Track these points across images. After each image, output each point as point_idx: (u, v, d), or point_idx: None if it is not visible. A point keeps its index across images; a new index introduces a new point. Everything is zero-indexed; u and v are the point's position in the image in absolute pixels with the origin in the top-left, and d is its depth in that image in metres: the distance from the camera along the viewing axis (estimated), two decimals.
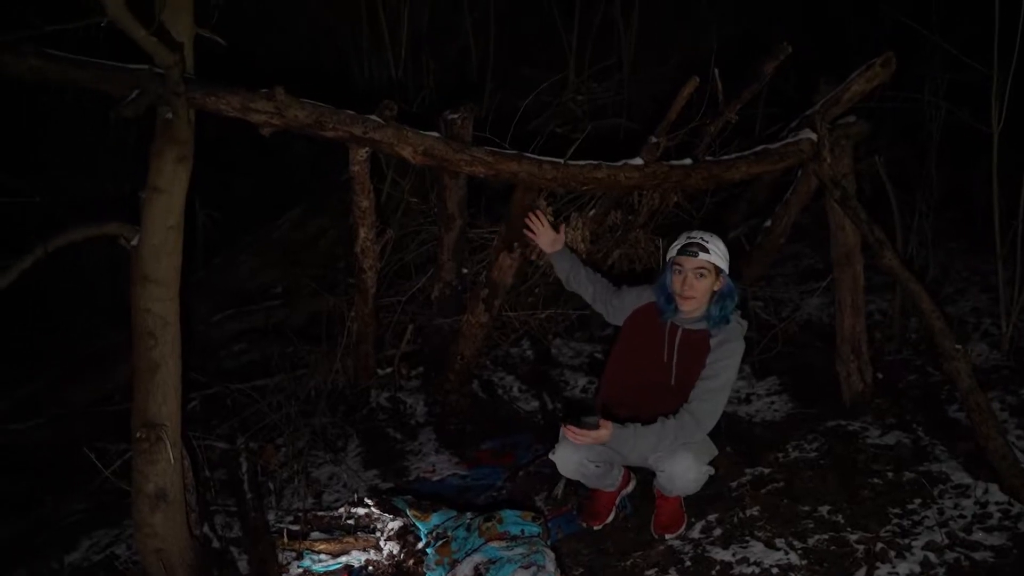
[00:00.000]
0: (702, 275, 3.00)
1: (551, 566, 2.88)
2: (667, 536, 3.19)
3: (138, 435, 2.80)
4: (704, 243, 3.00)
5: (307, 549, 3.26)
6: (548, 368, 4.67)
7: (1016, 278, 3.73)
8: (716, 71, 3.91)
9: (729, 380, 3.00)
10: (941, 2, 4.42)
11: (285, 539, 3.27)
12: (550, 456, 3.13)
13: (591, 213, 4.25)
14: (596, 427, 2.82)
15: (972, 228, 4.95)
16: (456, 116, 3.62)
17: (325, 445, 4.10)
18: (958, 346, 3.02)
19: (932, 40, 4.28)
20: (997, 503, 2.94)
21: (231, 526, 3.50)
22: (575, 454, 3.06)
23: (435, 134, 3.23)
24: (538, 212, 3.56)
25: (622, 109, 6.01)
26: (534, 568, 2.88)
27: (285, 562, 3.21)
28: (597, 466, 3.12)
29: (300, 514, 3.52)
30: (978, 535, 2.83)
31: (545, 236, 3.56)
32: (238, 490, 3.68)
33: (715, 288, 3.04)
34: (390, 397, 4.45)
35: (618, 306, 3.33)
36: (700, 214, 4.86)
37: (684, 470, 2.97)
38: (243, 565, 3.25)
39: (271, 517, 3.52)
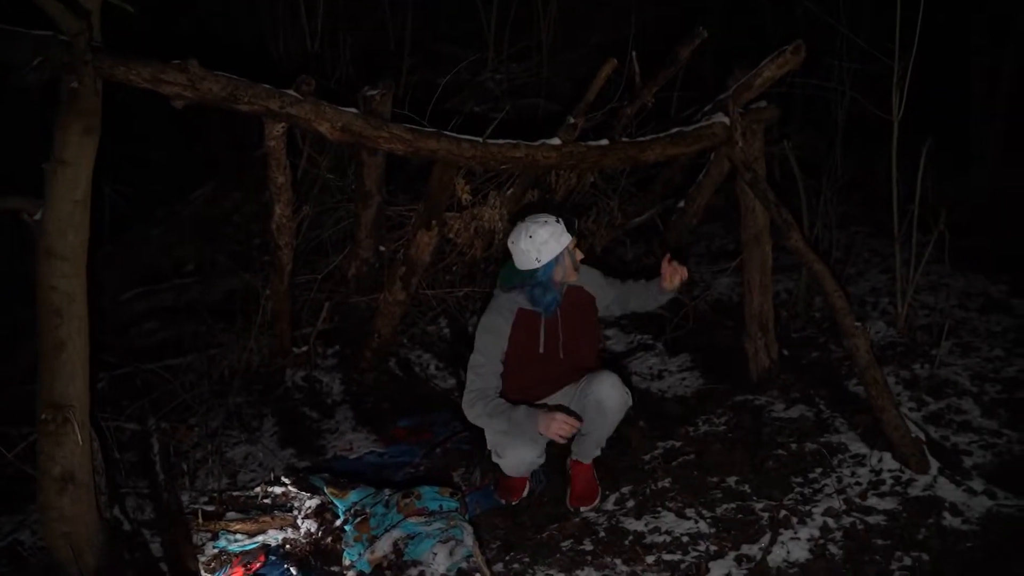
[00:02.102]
0: None
1: (469, 540, 2.92)
2: (582, 508, 3.27)
3: (43, 416, 2.71)
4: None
5: (223, 529, 3.22)
6: (465, 346, 4.69)
7: (912, 259, 3.91)
8: (634, 54, 3.98)
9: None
10: None
11: (200, 520, 3.23)
12: (495, 459, 3.30)
13: (509, 192, 4.28)
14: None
15: (874, 212, 5.18)
16: (375, 92, 3.60)
17: (240, 425, 4.05)
18: (857, 323, 3.16)
19: (841, 31, 4.44)
20: (890, 470, 3.11)
21: (143, 508, 3.43)
22: (531, 453, 3.17)
23: (353, 110, 3.20)
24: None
25: (541, 89, 6.04)
26: (452, 543, 2.93)
27: (200, 543, 3.17)
28: (540, 456, 3.26)
29: (215, 494, 3.47)
30: (872, 500, 2.99)
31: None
32: (150, 471, 3.60)
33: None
34: (306, 376, 4.41)
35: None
36: (616, 194, 4.94)
37: (610, 387, 3.09)
38: (156, 547, 3.18)
39: (185, 498, 3.46)
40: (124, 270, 5.11)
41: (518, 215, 4.26)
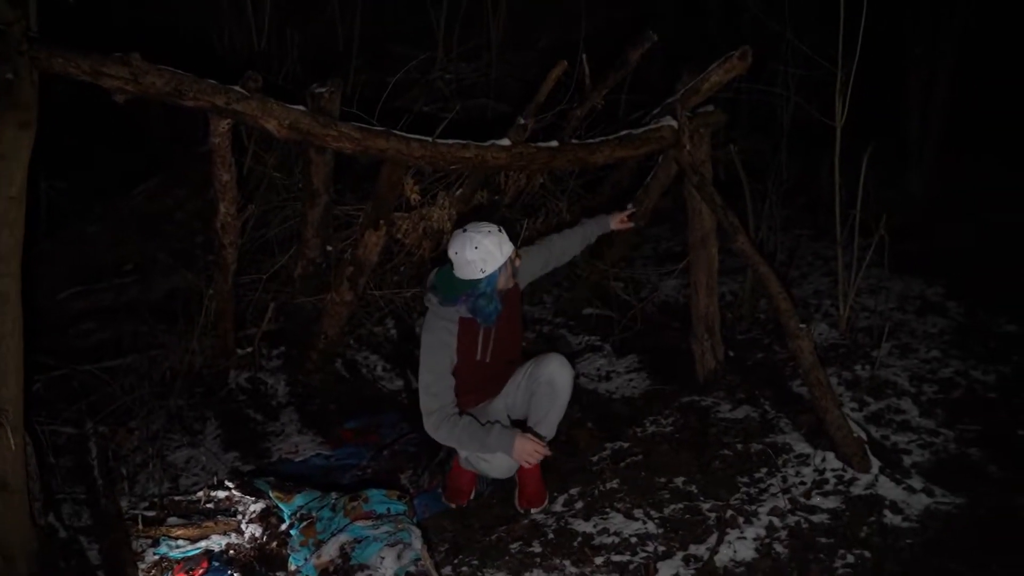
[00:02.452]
0: None
1: (417, 543, 2.90)
2: (532, 510, 3.26)
3: None
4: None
5: (164, 535, 3.15)
6: (413, 347, 4.65)
7: (853, 263, 4.00)
8: (584, 56, 4.00)
9: None
10: (796, 3, 4.66)
11: (140, 526, 3.15)
12: (487, 473, 3.27)
13: (458, 192, 4.26)
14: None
15: (817, 216, 5.30)
16: (323, 90, 3.54)
17: (182, 428, 3.95)
18: (802, 325, 3.22)
19: (786, 37, 4.52)
20: (833, 470, 3.17)
21: (80, 515, 3.33)
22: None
23: (301, 108, 3.14)
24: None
25: (490, 89, 6.03)
26: (400, 546, 2.90)
27: (140, 550, 3.09)
28: None
29: (155, 499, 3.39)
30: (816, 499, 3.04)
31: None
32: (87, 476, 3.49)
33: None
34: (250, 377, 4.33)
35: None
36: (565, 195, 4.95)
37: (559, 366, 3.13)
38: (93, 555, 3.08)
39: (124, 504, 3.36)
40: (61, 268, 4.96)
41: (467, 216, 4.25)
